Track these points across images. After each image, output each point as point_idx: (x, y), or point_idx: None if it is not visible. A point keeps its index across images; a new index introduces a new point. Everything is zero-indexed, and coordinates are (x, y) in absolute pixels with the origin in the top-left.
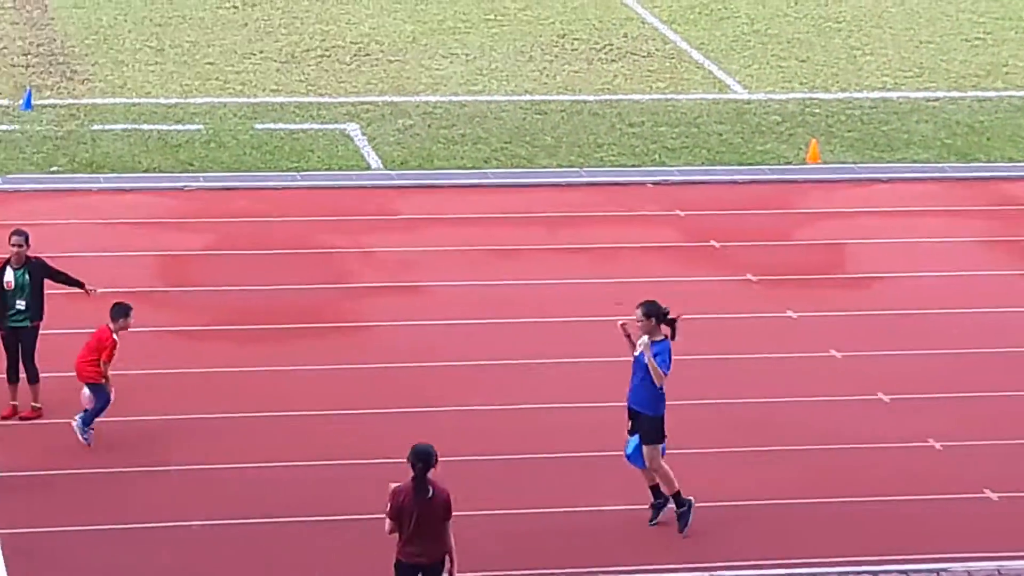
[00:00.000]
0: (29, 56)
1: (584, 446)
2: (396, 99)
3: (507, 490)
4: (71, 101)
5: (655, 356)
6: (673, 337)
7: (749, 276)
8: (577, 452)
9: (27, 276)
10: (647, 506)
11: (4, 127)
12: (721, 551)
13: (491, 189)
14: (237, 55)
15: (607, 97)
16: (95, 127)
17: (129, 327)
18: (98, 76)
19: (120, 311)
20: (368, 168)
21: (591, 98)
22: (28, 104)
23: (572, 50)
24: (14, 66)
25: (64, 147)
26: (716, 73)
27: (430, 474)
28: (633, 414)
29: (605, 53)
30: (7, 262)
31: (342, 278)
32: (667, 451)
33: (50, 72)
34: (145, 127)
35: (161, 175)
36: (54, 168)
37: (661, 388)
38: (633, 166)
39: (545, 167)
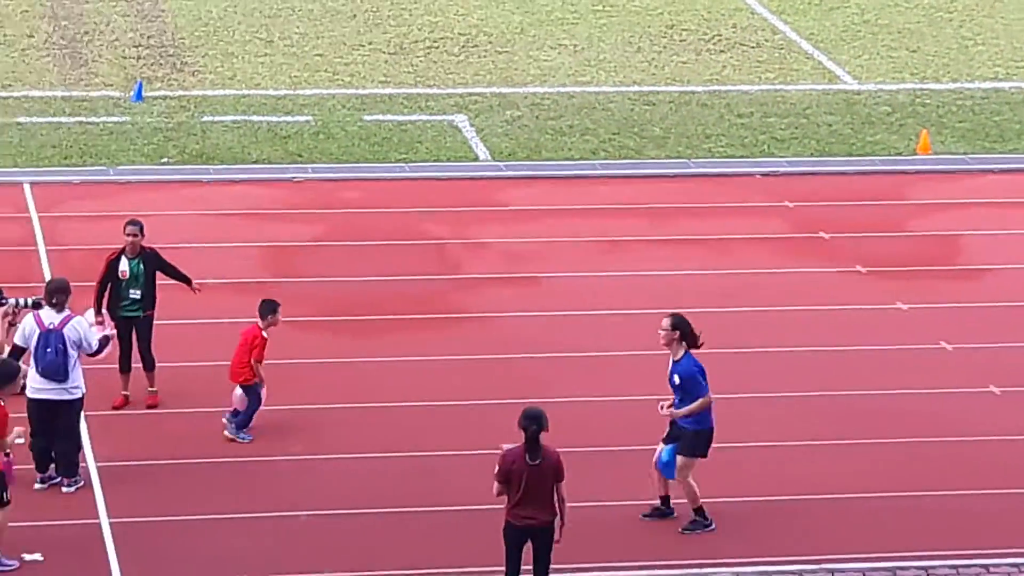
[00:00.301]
0: (140, 48)
1: None
2: (504, 90)
3: (611, 481)
4: (181, 93)
5: (682, 376)
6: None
7: (858, 268)
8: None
9: (141, 266)
10: (757, 497)
11: (115, 119)
12: (831, 544)
13: (599, 180)
14: (346, 47)
15: (716, 88)
16: (205, 119)
17: (278, 323)
18: (208, 68)
19: (268, 308)
20: (476, 159)
21: (700, 89)
22: (139, 96)
23: (681, 41)
24: (125, 58)
25: (174, 138)
26: (826, 63)
27: (541, 437)
28: (676, 426)
29: (714, 44)
30: (122, 252)
31: (450, 269)
32: (772, 444)
33: (160, 64)
34: (255, 118)
35: (270, 166)
36: (164, 159)
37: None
38: (742, 157)
39: (653, 158)
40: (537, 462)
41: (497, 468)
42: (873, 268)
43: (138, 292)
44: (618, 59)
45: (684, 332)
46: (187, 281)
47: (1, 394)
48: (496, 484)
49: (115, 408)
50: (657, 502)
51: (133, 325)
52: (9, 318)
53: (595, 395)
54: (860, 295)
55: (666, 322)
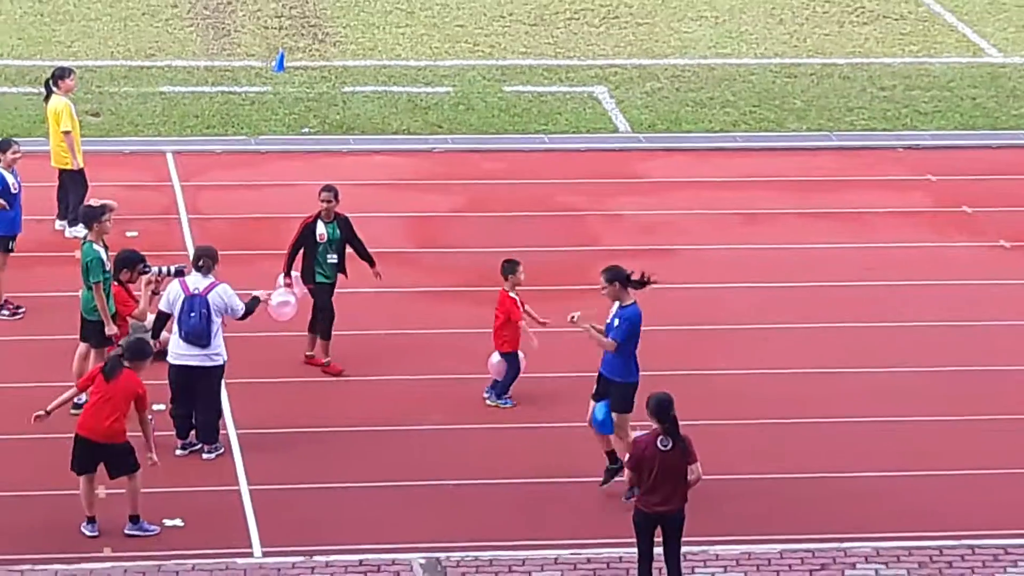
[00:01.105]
0: (282, 19)
1: (826, 412)
2: (645, 62)
3: (745, 455)
4: (322, 63)
5: (621, 320)
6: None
7: (1002, 242)
8: (819, 418)
9: (337, 231)
10: (897, 472)
11: (257, 89)
12: (958, 520)
13: (739, 153)
14: (486, 17)
15: (858, 60)
16: (346, 89)
17: (520, 281)
18: (349, 38)
19: (508, 268)
20: (616, 131)
21: (842, 61)
22: (281, 66)
23: (823, 13)
24: (267, 28)
25: (315, 109)
26: (970, 36)
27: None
28: (604, 381)
29: (857, 16)
30: (317, 216)
31: (589, 240)
32: (908, 419)
33: (302, 34)
34: (395, 89)
35: (410, 137)
36: (305, 129)
37: (633, 357)
38: (884, 130)
39: (794, 131)
40: (668, 447)
41: (628, 456)
42: (1017, 243)
43: (335, 256)
44: (760, 31)
45: (622, 279)
46: (371, 262)
47: (133, 368)
48: (628, 473)
49: (311, 363)
50: (608, 465)
51: (325, 291)
52: (152, 286)
53: (734, 368)
54: (1003, 270)
55: (602, 278)
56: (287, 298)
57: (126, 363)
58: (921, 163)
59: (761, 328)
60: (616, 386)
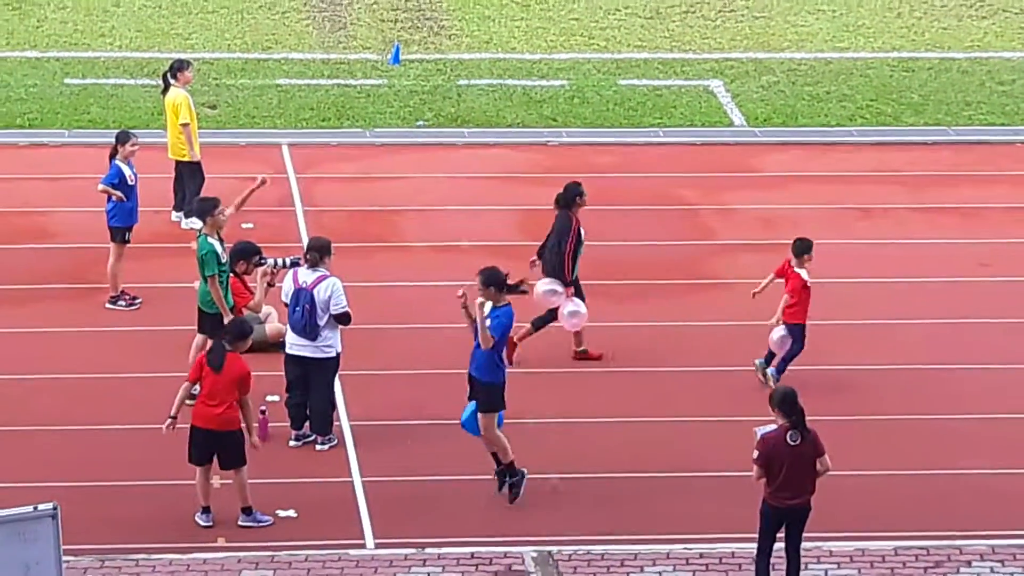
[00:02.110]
0: (398, 12)
1: (943, 409)
2: (761, 55)
3: (863, 451)
4: (438, 56)
5: (496, 320)
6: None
7: None
8: (936, 415)
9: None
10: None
11: (372, 81)
12: None
13: (855, 147)
14: (602, 11)
15: (977, 54)
16: (460, 82)
17: (805, 262)
18: (465, 32)
19: (802, 247)
20: (731, 125)
21: (960, 55)
22: (396, 59)
23: (942, 6)
24: (383, 21)
25: (430, 102)
26: None
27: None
28: (472, 380)
29: (976, 10)
30: None
31: (703, 235)
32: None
33: (418, 27)
34: (510, 82)
35: (524, 130)
36: (420, 122)
37: (499, 357)
38: (1003, 125)
39: (911, 125)
40: (798, 442)
41: (757, 453)
42: None
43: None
44: (877, 24)
45: (498, 283)
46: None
47: (233, 349)
48: (756, 468)
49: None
50: (496, 468)
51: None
52: (267, 278)
53: (849, 363)
54: None
55: (478, 280)
56: (578, 308)
57: (228, 347)
58: None
59: (877, 324)
60: (483, 386)
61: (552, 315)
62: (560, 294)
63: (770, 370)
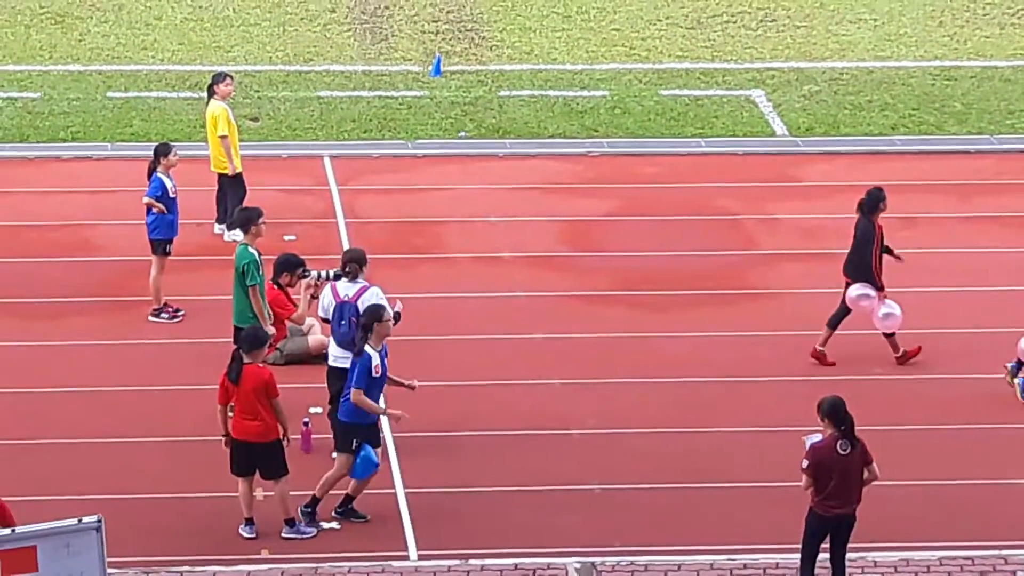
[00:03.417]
0: (439, 23)
1: (988, 419)
2: (802, 65)
3: (905, 460)
4: (479, 67)
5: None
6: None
7: None
8: (979, 424)
9: None
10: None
11: (414, 93)
12: None
13: (898, 156)
14: (643, 21)
15: (1020, 63)
16: (502, 93)
17: None
18: (506, 42)
19: None
20: (773, 135)
21: (1003, 64)
22: (437, 70)
23: (984, 15)
24: (424, 32)
25: (471, 113)
26: None
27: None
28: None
29: (1018, 18)
30: None
31: (746, 245)
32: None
33: (459, 38)
34: (551, 93)
35: (566, 141)
36: (461, 133)
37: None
38: None
39: (954, 134)
40: (847, 451)
41: (807, 463)
42: None
43: None
44: (919, 33)
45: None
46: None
47: (251, 359)
48: (806, 478)
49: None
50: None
51: None
52: (311, 290)
53: (893, 373)
54: None
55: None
56: (892, 310)
57: (245, 357)
58: None
59: (922, 333)
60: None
61: (845, 310)
62: (872, 298)
63: (1019, 379)
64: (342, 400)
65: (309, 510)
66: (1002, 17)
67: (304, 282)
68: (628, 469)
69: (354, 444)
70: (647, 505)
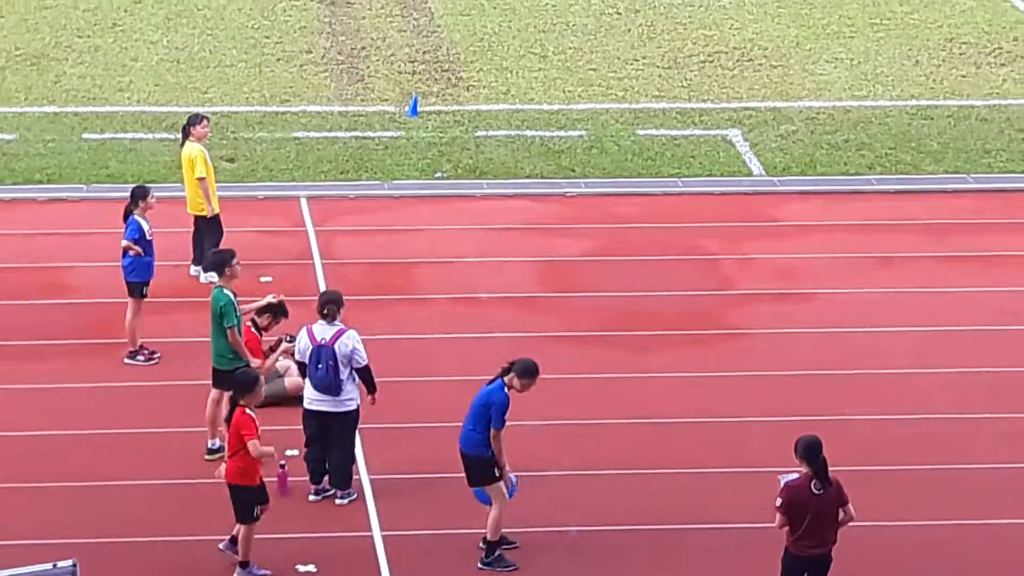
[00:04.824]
0: (415, 63)
1: (965, 459)
2: (779, 104)
3: (884, 502)
4: (456, 107)
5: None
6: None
7: None
8: (958, 465)
9: None
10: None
11: (391, 133)
12: None
13: (875, 195)
14: (620, 61)
15: (996, 102)
16: (479, 133)
17: None
18: (483, 83)
19: None
20: (750, 174)
21: (979, 103)
22: (414, 111)
23: (960, 54)
24: (401, 73)
25: (448, 153)
26: None
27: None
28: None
29: (994, 57)
30: None
31: (723, 284)
32: None
33: (436, 79)
34: (528, 133)
35: (543, 181)
36: (438, 174)
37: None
38: (1022, 172)
39: (931, 173)
40: (822, 492)
41: (781, 501)
42: None
43: None
44: (895, 72)
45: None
46: None
47: (247, 402)
48: (780, 517)
49: None
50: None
51: None
52: (287, 356)
53: (870, 413)
54: None
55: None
56: None
57: (240, 400)
58: None
59: (897, 373)
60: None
61: None
62: None
63: None
64: (469, 432)
65: (488, 559)
66: (978, 56)
67: (284, 346)
68: (606, 510)
69: (497, 472)
70: (626, 547)
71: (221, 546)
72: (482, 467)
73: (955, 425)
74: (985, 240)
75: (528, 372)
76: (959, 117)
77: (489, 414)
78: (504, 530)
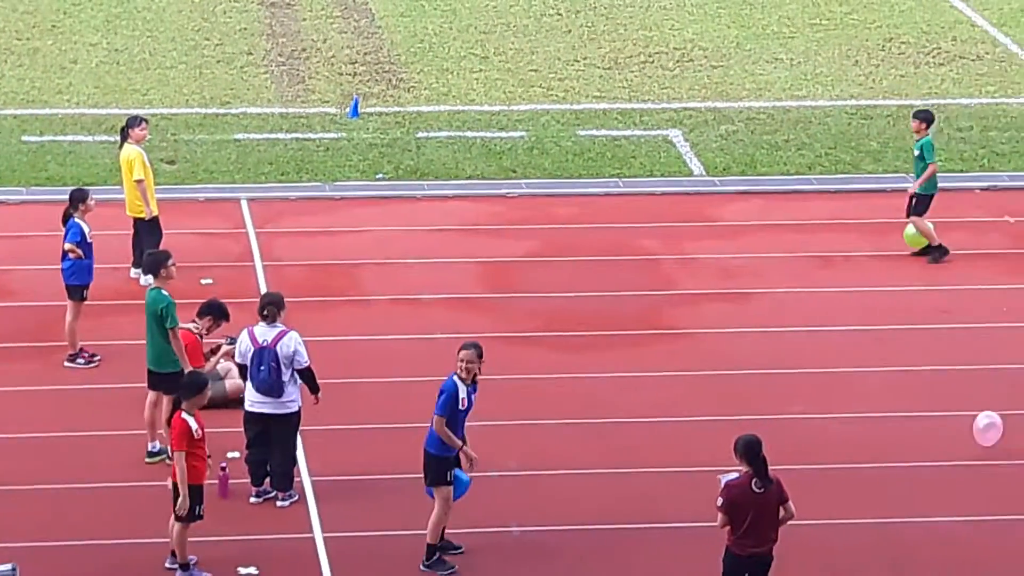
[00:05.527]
0: (356, 65)
1: (904, 457)
2: (719, 105)
3: (824, 500)
4: (396, 109)
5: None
6: None
7: None
8: (898, 463)
9: None
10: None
11: (331, 135)
12: None
13: (815, 195)
14: (560, 62)
15: (935, 101)
16: (420, 134)
17: None
18: (423, 84)
19: None
20: (690, 174)
21: (918, 102)
22: (355, 112)
23: (899, 54)
24: (341, 75)
25: (389, 154)
26: None
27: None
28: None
29: (933, 57)
30: None
31: (664, 285)
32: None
33: (376, 80)
34: (469, 134)
35: (484, 182)
36: (379, 175)
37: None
38: (961, 171)
39: (870, 173)
40: (763, 490)
41: (722, 500)
42: None
43: None
44: (835, 72)
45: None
46: None
47: (190, 406)
48: (721, 516)
49: None
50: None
51: None
52: (227, 358)
53: (811, 412)
54: None
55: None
56: (995, 420)
57: (184, 403)
58: (998, 204)
59: (838, 372)
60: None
61: None
62: (997, 428)
63: None
64: (429, 429)
65: (429, 562)
66: (916, 56)
67: (225, 349)
68: (548, 510)
69: (448, 476)
70: (567, 547)
71: (167, 564)
72: (436, 466)
73: (894, 423)
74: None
75: (464, 345)
76: (898, 116)
77: (437, 403)
78: (450, 530)
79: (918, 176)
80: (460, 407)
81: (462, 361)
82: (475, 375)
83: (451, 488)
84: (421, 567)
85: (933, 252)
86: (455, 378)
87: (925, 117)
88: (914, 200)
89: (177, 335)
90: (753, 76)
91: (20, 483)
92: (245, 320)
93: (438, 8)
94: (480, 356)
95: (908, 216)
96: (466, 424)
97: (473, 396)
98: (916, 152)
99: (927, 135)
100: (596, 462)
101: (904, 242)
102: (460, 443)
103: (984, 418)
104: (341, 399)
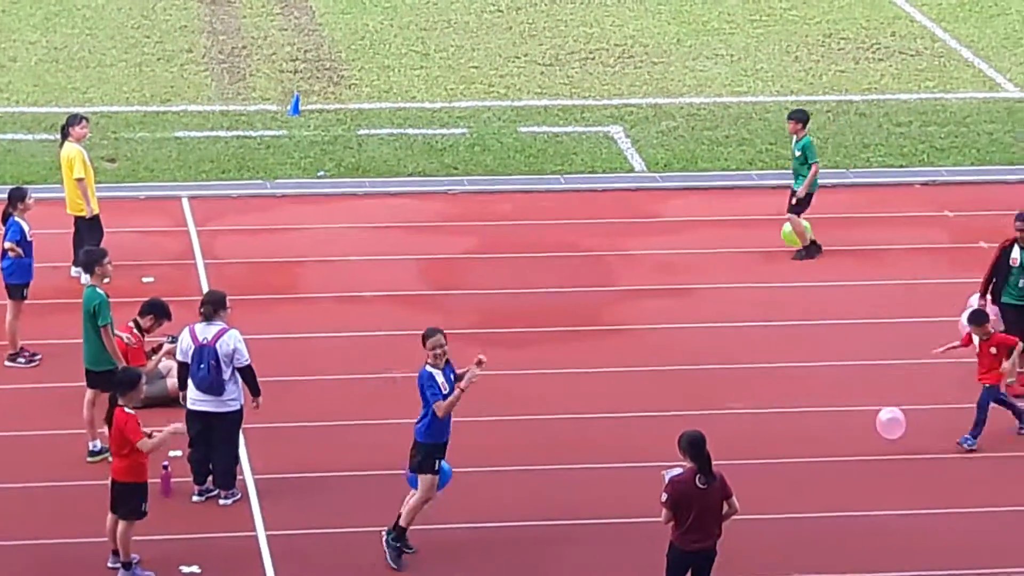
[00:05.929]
0: (297, 62)
1: (851, 450)
2: (660, 101)
3: (765, 493)
4: (338, 106)
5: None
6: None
7: None
8: (845, 456)
9: None
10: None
11: (272, 132)
12: (973, 557)
13: (756, 191)
14: (501, 59)
15: (874, 97)
16: (361, 132)
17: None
18: (364, 81)
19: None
20: (632, 170)
21: (858, 98)
22: (296, 109)
23: (839, 49)
24: (282, 72)
25: (330, 152)
26: (987, 71)
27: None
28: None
29: (872, 52)
30: (1014, 241)
31: (606, 281)
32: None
33: (317, 77)
34: (410, 131)
35: (426, 179)
36: (321, 173)
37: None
38: (900, 167)
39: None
40: (707, 486)
41: (666, 496)
42: None
43: None
44: (775, 68)
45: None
46: None
47: (126, 401)
48: (665, 512)
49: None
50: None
51: (1014, 311)
52: (168, 357)
53: (752, 407)
54: None
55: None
56: (897, 416)
57: (120, 399)
58: (938, 199)
59: (779, 367)
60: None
61: None
62: (901, 424)
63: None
64: (421, 421)
65: (398, 544)
66: (856, 52)
67: (167, 347)
68: (489, 507)
69: (436, 465)
70: (510, 543)
71: (110, 564)
72: (423, 454)
73: (836, 417)
74: (864, 234)
75: (428, 333)
76: (838, 112)
77: (426, 396)
78: (387, 527)
79: (797, 176)
80: (443, 391)
81: (432, 348)
82: (447, 358)
83: (435, 477)
84: (384, 533)
85: (808, 250)
86: (427, 368)
87: (801, 117)
88: (794, 199)
89: (109, 333)
90: (694, 72)
91: None
92: (187, 318)
93: (379, 5)
94: (444, 337)
95: (788, 212)
96: (399, 421)
97: (452, 376)
98: (797, 153)
99: (805, 135)
100: (536, 458)
101: (783, 241)
102: (459, 393)
103: (887, 412)
104: (284, 397)
